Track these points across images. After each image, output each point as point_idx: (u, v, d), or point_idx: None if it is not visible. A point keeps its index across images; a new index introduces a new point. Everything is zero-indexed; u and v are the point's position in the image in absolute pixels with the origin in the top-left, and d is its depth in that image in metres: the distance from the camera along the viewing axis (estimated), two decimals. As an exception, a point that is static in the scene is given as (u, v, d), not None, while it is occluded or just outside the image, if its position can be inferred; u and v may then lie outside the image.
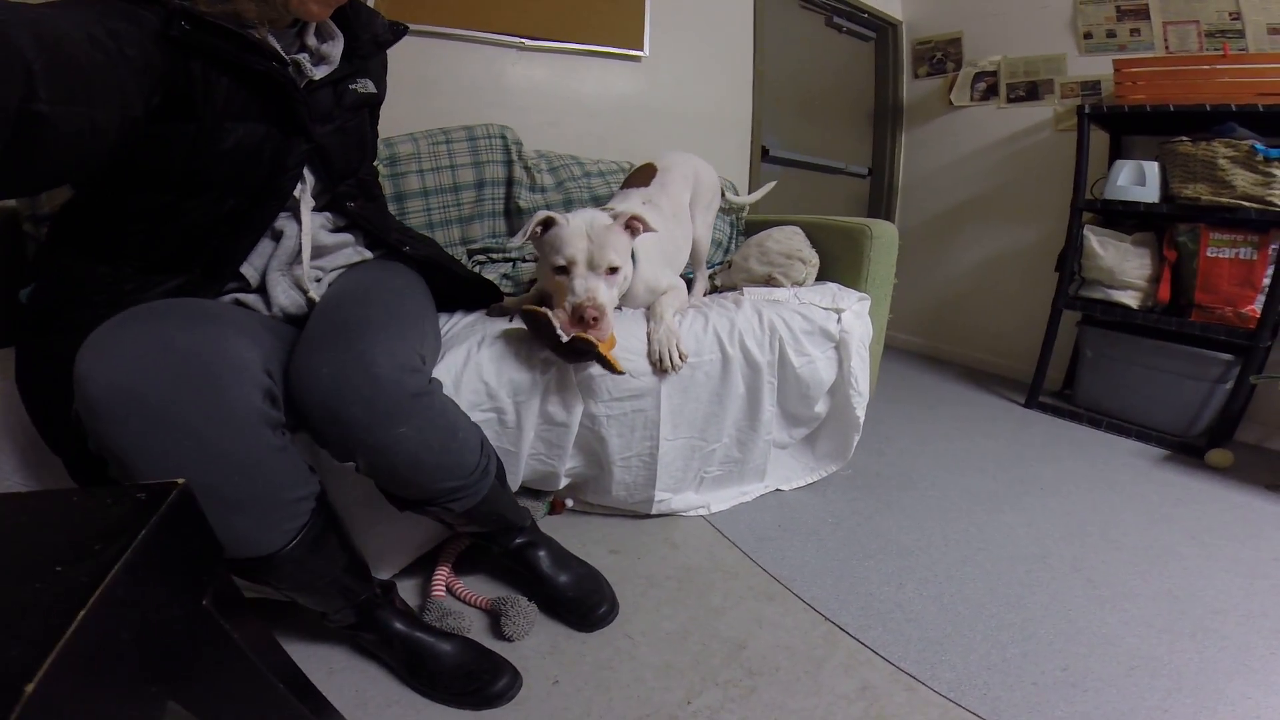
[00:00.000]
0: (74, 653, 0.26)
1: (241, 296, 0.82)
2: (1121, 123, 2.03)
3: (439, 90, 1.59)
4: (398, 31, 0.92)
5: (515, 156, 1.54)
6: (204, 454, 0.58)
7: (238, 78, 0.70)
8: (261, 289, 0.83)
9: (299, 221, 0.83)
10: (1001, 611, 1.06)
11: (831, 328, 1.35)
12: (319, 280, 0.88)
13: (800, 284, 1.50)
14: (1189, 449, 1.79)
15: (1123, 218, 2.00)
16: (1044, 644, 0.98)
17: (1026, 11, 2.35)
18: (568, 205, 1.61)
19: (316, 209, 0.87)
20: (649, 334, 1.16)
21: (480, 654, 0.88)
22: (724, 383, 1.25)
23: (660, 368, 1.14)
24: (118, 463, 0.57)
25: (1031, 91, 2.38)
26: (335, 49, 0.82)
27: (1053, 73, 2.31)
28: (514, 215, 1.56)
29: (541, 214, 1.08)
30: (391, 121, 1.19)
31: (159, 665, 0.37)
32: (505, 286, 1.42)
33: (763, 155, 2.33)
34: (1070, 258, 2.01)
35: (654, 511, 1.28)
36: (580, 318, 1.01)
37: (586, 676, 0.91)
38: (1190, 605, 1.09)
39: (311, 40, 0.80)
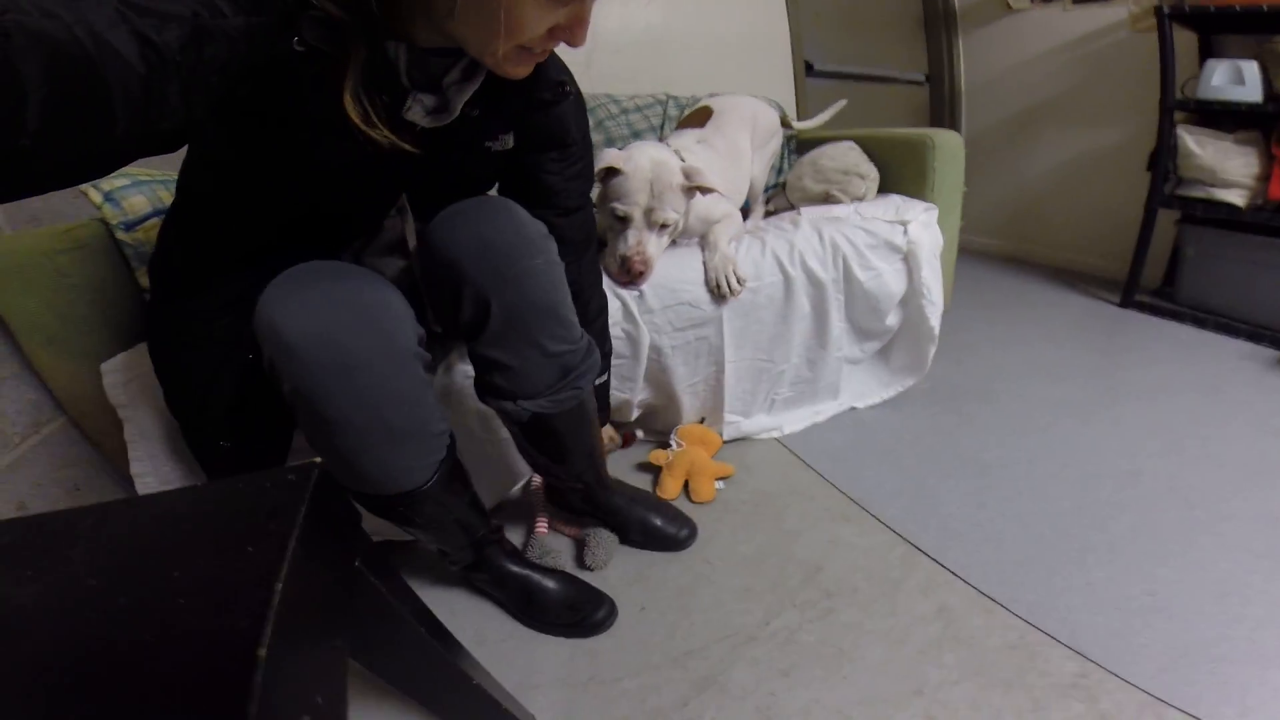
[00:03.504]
0: (281, 619, 0.31)
1: None
2: (1208, 22, 1.80)
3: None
4: (559, 93, 0.79)
5: (552, 101, 1.51)
6: (381, 389, 0.65)
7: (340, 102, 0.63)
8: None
9: (403, 218, 0.82)
10: (1087, 532, 1.01)
11: (898, 240, 1.29)
12: None
13: (860, 199, 1.43)
14: None
15: (1221, 118, 1.80)
16: (1131, 567, 0.94)
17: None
18: (609, 144, 1.58)
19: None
20: (705, 262, 1.15)
21: (581, 587, 0.94)
22: (788, 303, 1.22)
23: (719, 294, 1.13)
24: (307, 401, 0.63)
25: None
26: (462, 97, 0.69)
27: None
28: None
29: (607, 157, 1.09)
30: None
31: (334, 621, 0.42)
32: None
33: (807, 71, 2.18)
34: (1164, 157, 1.83)
35: (725, 437, 1.29)
36: (627, 269, 1.06)
37: (670, 602, 0.95)
38: (1290, 531, 0.99)
39: (453, 76, 0.68)
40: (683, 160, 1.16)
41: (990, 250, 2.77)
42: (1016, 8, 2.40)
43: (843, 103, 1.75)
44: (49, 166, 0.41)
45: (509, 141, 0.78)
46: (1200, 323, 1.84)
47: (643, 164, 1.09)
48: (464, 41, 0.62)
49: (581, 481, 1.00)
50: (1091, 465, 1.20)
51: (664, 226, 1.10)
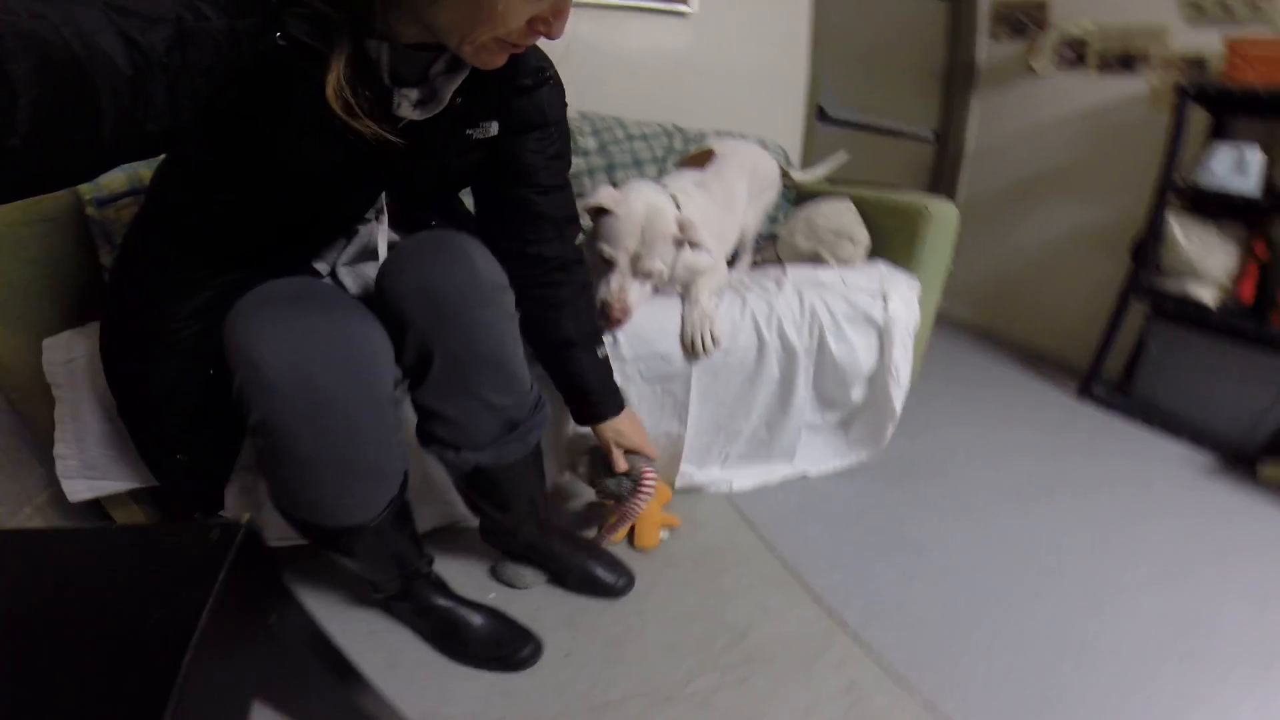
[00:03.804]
0: (190, 674, 0.33)
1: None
2: (1226, 104, 1.82)
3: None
4: (539, 78, 0.80)
5: (559, 118, 1.50)
6: (351, 433, 0.67)
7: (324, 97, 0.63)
8: (331, 275, 0.84)
9: (376, 224, 0.81)
10: (1002, 620, 1.06)
11: (876, 314, 1.31)
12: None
13: (847, 263, 1.45)
14: (1241, 458, 1.69)
15: (1212, 207, 1.82)
16: (1034, 658, 0.99)
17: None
18: (610, 170, 1.57)
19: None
20: (683, 315, 1.15)
21: (507, 624, 0.95)
22: (758, 367, 1.23)
23: (692, 351, 1.13)
24: (273, 436, 0.64)
25: (1125, 63, 2.14)
26: (450, 87, 0.70)
27: (1152, 44, 2.06)
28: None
29: (600, 196, 1.09)
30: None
31: (243, 676, 0.44)
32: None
33: (819, 115, 2.20)
34: (1150, 244, 1.87)
35: (677, 485, 1.30)
36: (605, 314, 1.07)
37: (596, 650, 0.96)
38: (1190, 630, 1.07)
39: (439, 67, 0.68)
40: (678, 207, 1.16)
41: (967, 321, 2.81)
42: (1040, 72, 2.40)
43: (843, 156, 1.76)
44: (37, 168, 0.41)
45: (492, 129, 0.78)
46: (1149, 420, 1.90)
47: (637, 208, 1.09)
48: (442, 31, 0.61)
49: (523, 529, 1.01)
50: (1019, 553, 1.25)
51: (649, 275, 1.10)
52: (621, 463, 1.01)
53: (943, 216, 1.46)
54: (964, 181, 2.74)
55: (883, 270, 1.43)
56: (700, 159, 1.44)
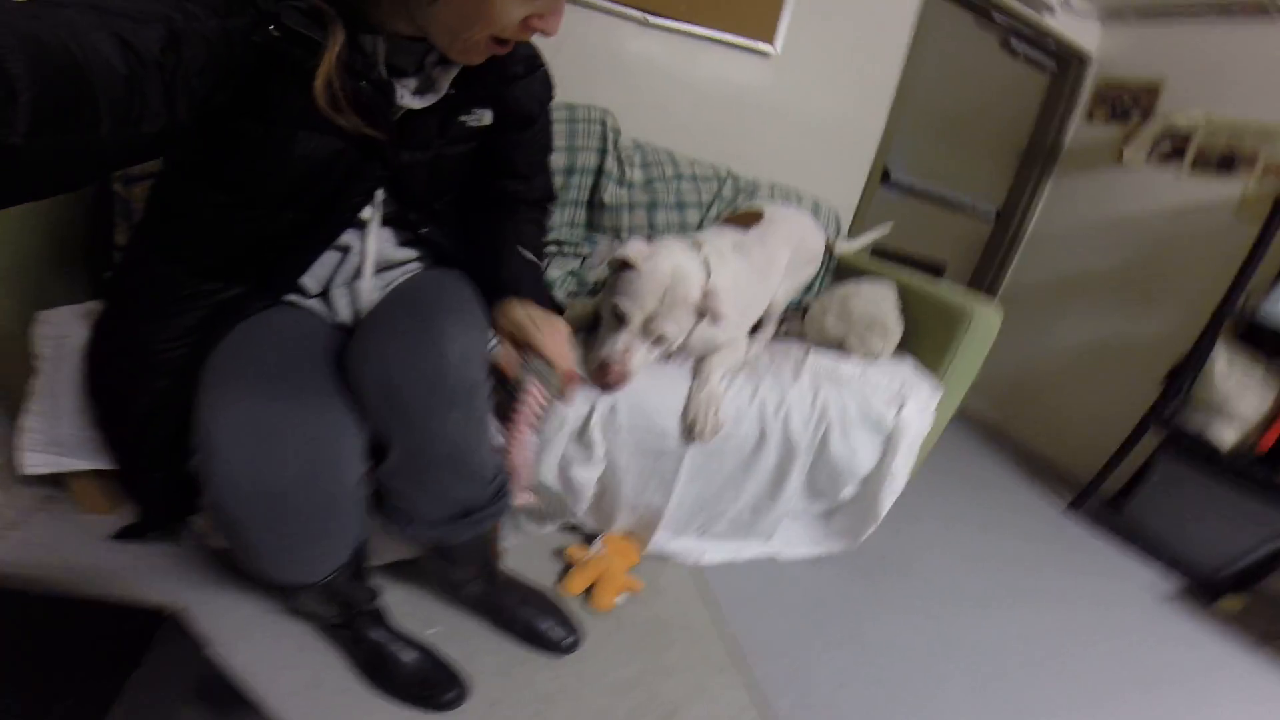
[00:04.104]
0: None
1: (302, 302, 0.81)
2: None
3: (557, 55, 1.49)
4: (531, 66, 0.83)
5: (610, 145, 1.45)
6: (305, 531, 0.67)
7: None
8: (324, 295, 0.82)
9: (365, 239, 0.80)
10: None
11: (888, 418, 1.26)
12: (387, 286, 0.86)
13: (874, 357, 1.39)
14: (1207, 588, 1.71)
15: (1268, 345, 1.72)
16: None
17: (1252, 68, 1.93)
18: (651, 208, 1.52)
19: (384, 222, 0.83)
20: (689, 393, 1.11)
21: (438, 665, 0.94)
22: (754, 455, 1.20)
23: (691, 433, 1.10)
24: (225, 521, 0.64)
25: (1225, 164, 1.97)
26: (447, 76, 0.73)
27: (1262, 146, 1.89)
28: (596, 208, 1.49)
29: (628, 250, 1.04)
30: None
31: None
32: (568, 284, 1.38)
33: (883, 177, 2.12)
34: (1186, 375, 1.78)
35: (648, 550, 1.28)
36: (604, 373, 1.01)
37: (525, 706, 0.95)
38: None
39: (433, 57, 0.71)
40: (709, 271, 1.11)
41: (979, 415, 2.71)
42: (1128, 162, 2.24)
43: (886, 227, 1.69)
44: (38, 168, 0.42)
45: (485, 118, 0.80)
46: (1130, 542, 1.89)
47: (662, 268, 1.03)
48: (434, 28, 0.63)
49: (469, 585, 1.00)
50: (960, 661, 1.26)
51: (660, 340, 1.05)
52: (513, 363, 0.85)
53: (984, 323, 1.39)
54: (1014, 266, 2.63)
55: (907, 371, 1.38)
56: (746, 219, 1.38)
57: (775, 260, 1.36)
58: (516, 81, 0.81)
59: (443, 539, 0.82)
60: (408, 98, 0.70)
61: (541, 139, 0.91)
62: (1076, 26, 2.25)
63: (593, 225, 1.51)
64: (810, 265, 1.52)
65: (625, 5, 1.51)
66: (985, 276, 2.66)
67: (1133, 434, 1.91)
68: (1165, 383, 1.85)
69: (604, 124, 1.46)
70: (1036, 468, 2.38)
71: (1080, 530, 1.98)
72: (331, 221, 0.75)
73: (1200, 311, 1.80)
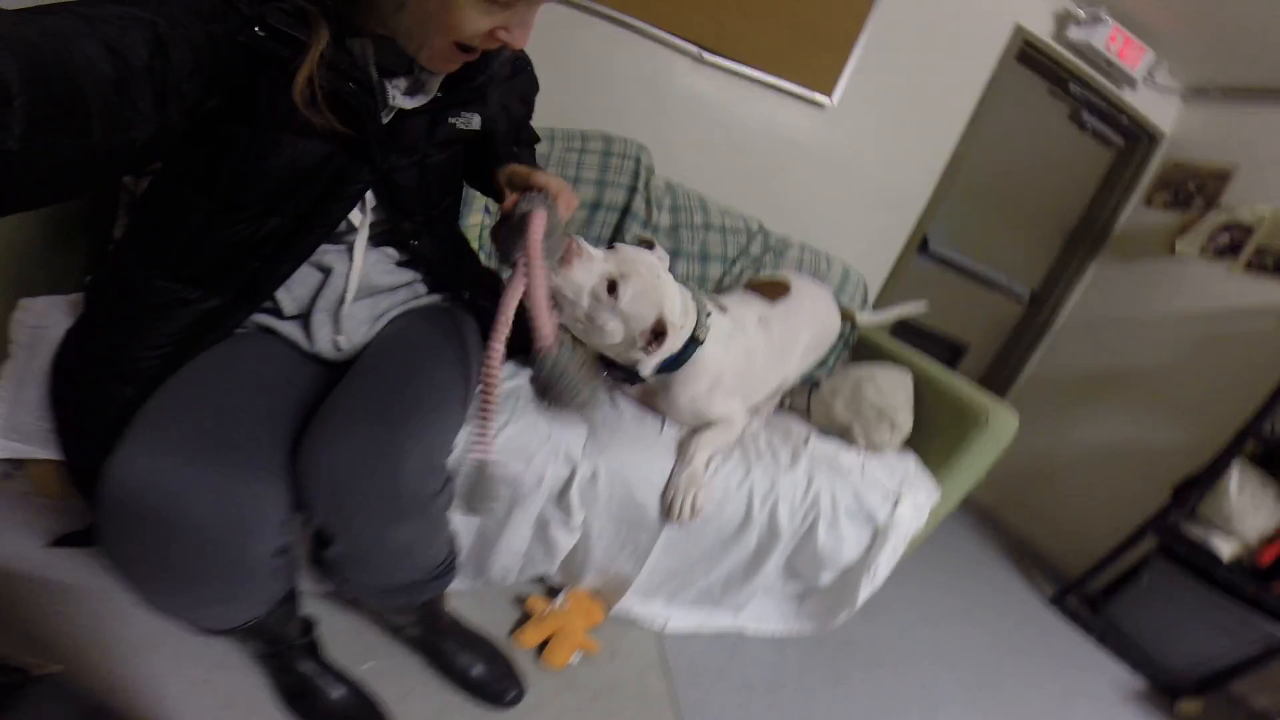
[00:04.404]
0: None
1: (279, 326, 0.78)
2: None
3: (603, 81, 1.45)
4: (517, 67, 0.85)
5: (641, 185, 1.40)
6: (206, 593, 0.63)
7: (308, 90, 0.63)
8: (304, 319, 0.78)
9: (350, 258, 0.77)
10: None
11: (880, 514, 1.21)
12: (380, 316, 0.83)
13: (877, 449, 1.34)
14: (1170, 689, 1.71)
15: None
16: None
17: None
18: (673, 255, 1.46)
19: (373, 241, 0.80)
20: (671, 473, 1.06)
21: (365, 704, 0.90)
22: (735, 537, 1.15)
23: (668, 515, 1.05)
24: (120, 569, 0.62)
25: None
26: (436, 78, 0.73)
27: None
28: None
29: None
30: (549, 108, 1.10)
31: None
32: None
33: (920, 246, 2.03)
34: (1197, 489, 1.74)
35: (614, 611, 1.23)
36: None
37: None
38: None
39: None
40: (721, 339, 1.07)
41: (975, 500, 2.62)
42: (1181, 253, 2.11)
43: (923, 306, 1.62)
44: (32, 175, 0.41)
45: (474, 121, 0.80)
46: (1103, 641, 1.87)
47: (655, 278, 0.96)
48: (401, 34, 0.64)
49: (408, 629, 0.97)
50: None
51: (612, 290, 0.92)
52: (510, 198, 0.79)
53: (1001, 426, 1.33)
54: (1039, 353, 2.53)
55: (908, 468, 1.32)
56: (772, 290, 1.33)
57: (796, 341, 1.32)
58: (505, 82, 0.83)
59: (380, 607, 0.81)
60: (399, 97, 0.71)
61: (530, 133, 0.96)
62: (1154, 103, 2.14)
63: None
64: (823, 348, 1.47)
65: (682, 38, 1.44)
66: (1007, 362, 2.55)
67: (1131, 537, 1.87)
68: (1174, 493, 1.80)
69: (638, 161, 1.40)
70: (1025, 557, 2.33)
71: (1058, 624, 1.96)
72: (318, 228, 0.73)
73: (1221, 425, 1.74)
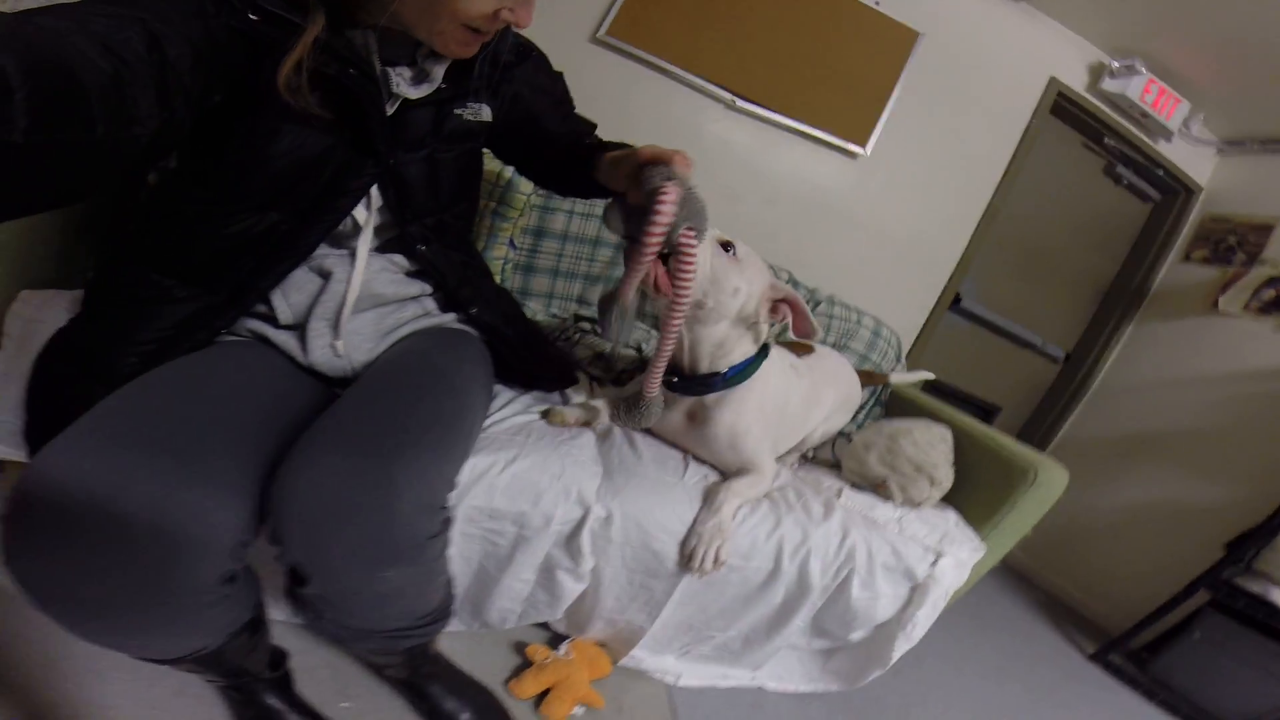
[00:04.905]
0: None
1: (273, 335, 0.74)
2: None
3: (633, 125, 1.46)
4: (522, 54, 0.84)
5: (669, 231, 1.39)
6: (138, 623, 0.55)
7: (310, 79, 0.62)
8: (301, 328, 0.75)
9: (353, 262, 0.74)
10: None
11: (920, 570, 1.12)
12: (386, 334, 0.80)
13: (915, 504, 1.25)
14: None
15: None
16: None
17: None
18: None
19: (379, 249, 0.77)
20: (695, 520, 0.99)
21: None
22: (760, 591, 1.06)
23: (687, 565, 0.98)
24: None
25: None
26: (440, 67, 0.72)
27: None
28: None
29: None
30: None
31: None
32: (597, 368, 1.30)
33: (953, 303, 1.98)
34: (1254, 542, 1.72)
35: (622, 664, 1.14)
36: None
37: None
38: None
39: (423, 49, 0.71)
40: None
41: (1011, 558, 2.46)
42: (1224, 310, 2.03)
43: (930, 376, 1.59)
44: (38, 173, 0.41)
45: (484, 113, 0.80)
46: (1152, 696, 1.80)
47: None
48: (410, 21, 0.64)
49: (388, 669, 0.88)
50: None
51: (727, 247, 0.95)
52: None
53: (1050, 482, 1.23)
54: (1074, 416, 2.41)
55: (950, 524, 1.23)
56: (796, 348, 1.31)
57: (822, 397, 1.28)
58: (509, 69, 0.82)
59: (359, 651, 0.75)
60: (404, 86, 0.70)
61: (566, 106, 0.94)
62: (1191, 155, 2.11)
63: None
64: (844, 417, 1.43)
65: (716, 84, 1.45)
66: (1040, 425, 2.44)
67: (1181, 593, 1.82)
68: (1227, 549, 1.77)
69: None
70: (1059, 613, 2.19)
71: (1102, 679, 1.88)
72: (320, 224, 0.71)
73: (1270, 480, 1.69)
